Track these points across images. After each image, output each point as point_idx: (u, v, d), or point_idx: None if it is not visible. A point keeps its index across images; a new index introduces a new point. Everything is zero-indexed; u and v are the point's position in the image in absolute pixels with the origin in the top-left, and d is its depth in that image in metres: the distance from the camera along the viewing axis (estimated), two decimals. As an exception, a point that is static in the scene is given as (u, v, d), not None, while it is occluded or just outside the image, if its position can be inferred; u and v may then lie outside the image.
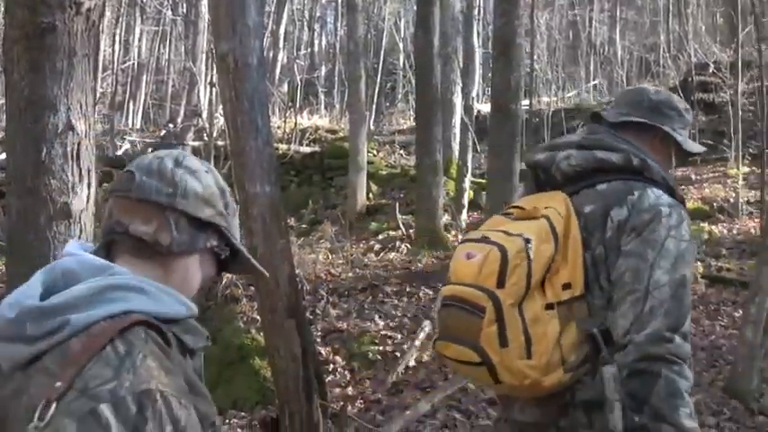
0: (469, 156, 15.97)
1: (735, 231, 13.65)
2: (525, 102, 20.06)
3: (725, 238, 13.16)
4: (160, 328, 1.82)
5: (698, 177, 18.69)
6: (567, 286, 2.79)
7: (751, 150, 17.93)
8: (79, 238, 4.88)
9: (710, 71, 21.67)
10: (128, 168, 1.99)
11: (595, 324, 2.79)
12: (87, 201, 4.94)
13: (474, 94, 18.95)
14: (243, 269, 2.19)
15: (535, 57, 25.05)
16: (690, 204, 15.45)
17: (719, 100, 22.24)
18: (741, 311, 8.65)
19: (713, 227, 14.04)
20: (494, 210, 11.40)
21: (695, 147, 3.27)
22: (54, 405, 1.61)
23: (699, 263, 11.67)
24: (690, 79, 23.53)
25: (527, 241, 2.78)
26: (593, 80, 32.09)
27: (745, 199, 15.29)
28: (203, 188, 2.00)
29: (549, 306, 2.76)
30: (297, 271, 7.87)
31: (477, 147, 17.37)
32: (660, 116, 3.16)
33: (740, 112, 17.04)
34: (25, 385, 1.71)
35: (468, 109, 17.14)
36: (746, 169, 16.97)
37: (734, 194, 15.64)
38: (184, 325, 1.92)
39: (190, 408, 1.72)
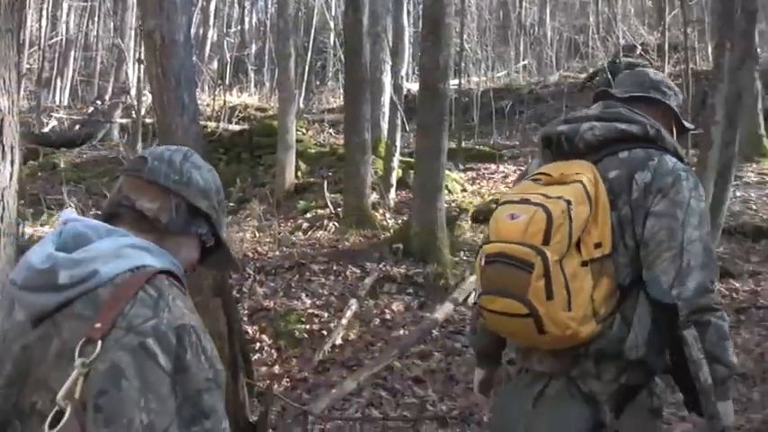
0: (398, 135, 15.98)
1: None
2: (455, 81, 20.16)
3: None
4: (177, 276, 2.15)
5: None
6: (597, 245, 3.08)
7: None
8: (1, 218, 4.81)
9: (638, 53, 21.93)
10: (141, 154, 2.29)
11: (627, 279, 3.13)
12: (10, 178, 4.86)
13: (403, 73, 18.95)
14: (220, 261, 2.44)
15: (465, 36, 25.14)
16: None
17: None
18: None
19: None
20: (421, 188, 11.47)
21: (688, 123, 3.65)
22: (99, 342, 1.88)
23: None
24: (618, 61, 23.79)
25: (568, 203, 3.05)
26: (523, 60, 32.24)
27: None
28: (204, 182, 2.29)
29: (584, 263, 3.05)
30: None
31: (407, 126, 17.40)
32: (661, 93, 3.53)
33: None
34: (53, 331, 1.97)
35: (397, 88, 17.12)
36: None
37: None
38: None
39: (211, 340, 2.06)
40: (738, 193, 15.04)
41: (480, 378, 3.84)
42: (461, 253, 11.71)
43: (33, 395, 1.95)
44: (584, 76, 27.86)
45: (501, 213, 3.25)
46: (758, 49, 20.22)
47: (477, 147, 19.71)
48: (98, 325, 1.90)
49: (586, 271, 3.04)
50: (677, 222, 3.08)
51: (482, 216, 13.62)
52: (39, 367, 1.96)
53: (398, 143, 15.87)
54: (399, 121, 15.98)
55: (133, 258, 2.05)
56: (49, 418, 1.85)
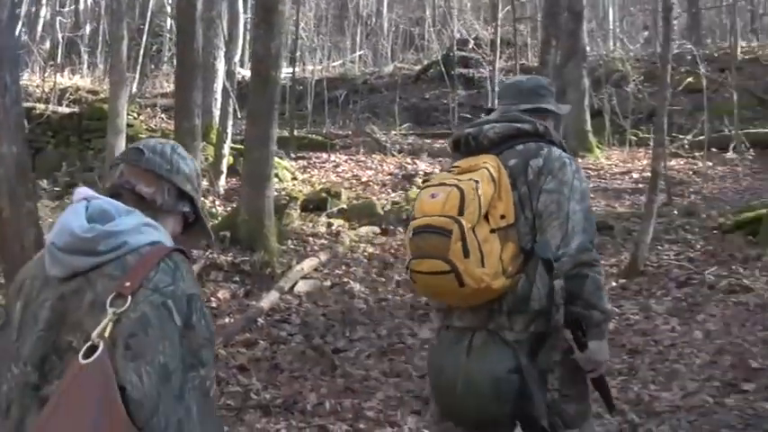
0: (230, 122, 15.86)
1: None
2: (289, 69, 20.10)
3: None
4: (186, 253, 2.63)
5: (455, 150, 19.21)
6: (503, 217, 3.79)
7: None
8: None
9: (471, 47, 22.30)
10: (137, 146, 2.76)
11: (528, 243, 3.80)
12: None
13: (237, 59, 18.80)
14: (197, 233, 2.94)
15: (302, 25, 25.10)
16: (445, 176, 15.89)
17: (479, 75, 22.91)
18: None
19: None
20: (250, 176, 11.41)
21: (564, 109, 4.50)
22: (130, 297, 2.37)
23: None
24: (452, 54, 24.16)
25: (477, 182, 3.75)
26: (359, 51, 32.41)
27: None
28: (188, 170, 2.80)
29: (493, 231, 3.74)
30: (46, 235, 7.61)
31: (239, 113, 17.25)
32: (539, 97, 4.29)
33: (497, 88, 17.60)
34: (86, 286, 2.44)
35: (230, 74, 16.99)
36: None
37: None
38: None
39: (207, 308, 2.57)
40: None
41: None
42: (289, 241, 11.72)
43: (69, 335, 2.42)
44: (418, 68, 28.22)
45: (423, 195, 3.94)
46: (586, 48, 20.88)
47: (310, 135, 19.72)
48: (128, 284, 2.40)
49: (495, 237, 3.74)
50: (564, 197, 3.82)
51: (312, 205, 13.65)
52: (74, 313, 2.43)
53: (230, 130, 15.76)
54: (231, 108, 15.87)
55: (151, 234, 2.55)
56: (83, 351, 2.32)
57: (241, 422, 7.09)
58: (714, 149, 17.64)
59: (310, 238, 12.26)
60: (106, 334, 2.34)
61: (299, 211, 13.38)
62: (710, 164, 17.08)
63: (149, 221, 2.60)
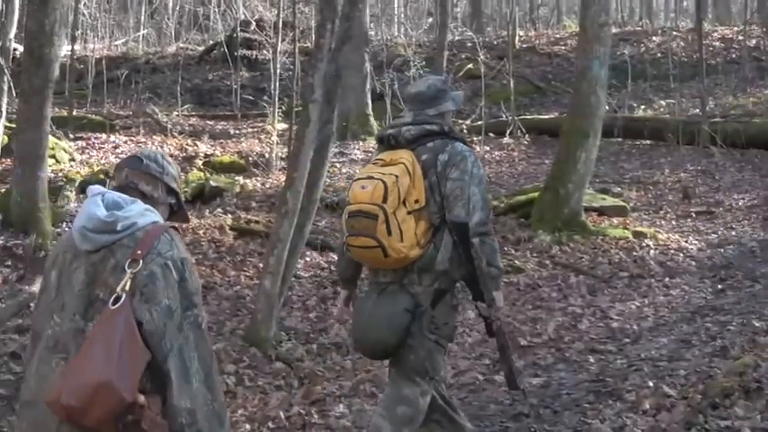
0: (4, 100, 15.26)
1: (267, 185, 14.12)
2: (68, 47, 19.53)
3: (257, 192, 13.58)
4: (177, 229, 3.56)
5: (237, 132, 19.11)
6: (416, 201, 4.98)
7: (284, 108, 18.53)
8: None
9: (253, 28, 22.23)
10: (136, 155, 3.65)
11: (437, 220, 5.03)
12: None
13: (12, 35, 18.10)
14: (179, 218, 3.76)
15: (84, 1, 24.44)
16: (225, 158, 15.84)
17: (263, 57, 22.87)
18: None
19: (247, 180, 14.44)
20: (22, 157, 11.07)
21: (459, 100, 5.54)
22: (141, 261, 3.29)
23: (229, 215, 12.01)
24: (235, 35, 24.02)
25: (396, 176, 4.93)
26: (143, 30, 31.76)
27: (280, 154, 15.85)
28: (174, 173, 3.68)
29: (409, 213, 4.95)
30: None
31: (14, 91, 16.63)
32: (439, 101, 5.32)
33: (278, 71, 17.64)
34: (110, 255, 3.35)
35: (5, 51, 16.35)
36: (284, 125, 17.56)
37: (269, 150, 16.19)
38: None
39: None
40: (344, 170, 15.71)
41: (344, 296, 5.63)
42: (64, 224, 11.44)
43: (98, 291, 3.35)
44: (202, 48, 27.94)
45: (355, 186, 5.11)
46: (369, 32, 21.17)
47: (90, 115, 19.15)
48: (139, 252, 3.32)
49: (411, 217, 4.95)
50: (465, 183, 5.01)
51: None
52: (101, 275, 3.36)
53: (4, 109, 15.17)
54: (6, 86, 15.28)
55: (152, 217, 3.46)
56: (112, 299, 3.26)
57: (12, 411, 6.90)
58: (491, 134, 18.30)
59: (85, 221, 11.97)
60: (126, 288, 3.28)
61: (75, 192, 13.04)
62: (488, 148, 17.67)
63: (149, 207, 3.51)
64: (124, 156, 16.15)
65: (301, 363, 8.09)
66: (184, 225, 3.94)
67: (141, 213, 3.43)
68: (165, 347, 3.30)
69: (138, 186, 3.57)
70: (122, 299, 3.26)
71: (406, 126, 5.23)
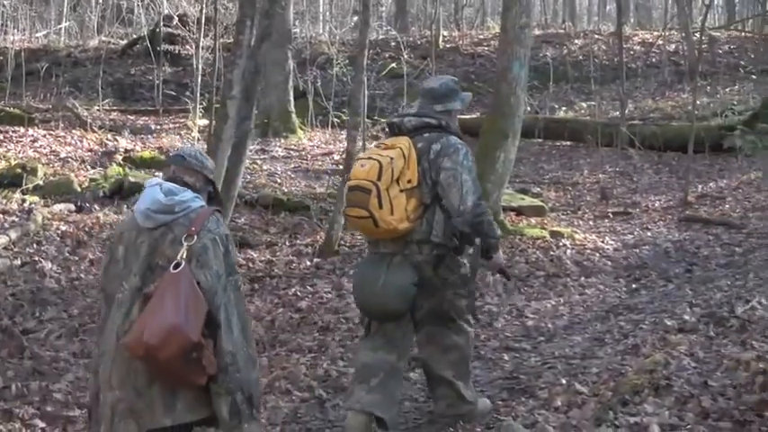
0: None
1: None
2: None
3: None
4: (221, 211, 4.48)
5: (158, 127, 18.92)
6: (409, 181, 5.68)
7: (205, 104, 18.39)
8: None
9: (175, 23, 22.05)
10: (179, 153, 4.52)
11: (428, 200, 5.76)
12: None
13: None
14: (214, 203, 4.52)
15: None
16: (146, 154, 15.67)
17: (185, 53, 22.71)
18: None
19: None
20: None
21: (467, 99, 6.25)
22: (195, 236, 4.12)
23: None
24: (158, 30, 23.80)
25: (391, 158, 5.65)
26: (65, 22, 31.29)
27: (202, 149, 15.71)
28: (210, 165, 4.58)
29: (401, 191, 5.64)
30: None
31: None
32: (448, 99, 6.05)
33: (201, 67, 17.52)
34: (168, 231, 4.19)
35: None
36: (205, 121, 17.42)
37: (190, 146, 16.04)
38: None
39: None
40: (265, 167, 15.65)
41: None
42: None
43: (158, 259, 4.19)
44: (125, 42, 27.61)
45: (356, 164, 5.89)
46: (292, 30, 21.11)
47: (7, 108, 18.82)
48: (193, 228, 4.16)
49: (403, 194, 5.65)
50: (458, 172, 5.72)
51: (6, 181, 13.12)
52: (161, 247, 4.20)
53: None
54: None
55: (200, 202, 4.32)
56: (173, 265, 4.08)
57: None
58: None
59: (0, 215, 11.78)
60: (184, 256, 4.11)
61: (-8, 185, 12.80)
62: (409, 147, 17.63)
63: (197, 195, 4.36)
64: (42, 149, 16.26)
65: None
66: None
67: (192, 200, 4.31)
68: (216, 302, 4.14)
69: (183, 179, 4.39)
70: (182, 264, 4.09)
71: (408, 117, 6.03)
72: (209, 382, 4.14)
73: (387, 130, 6.35)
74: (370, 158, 5.78)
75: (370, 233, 5.88)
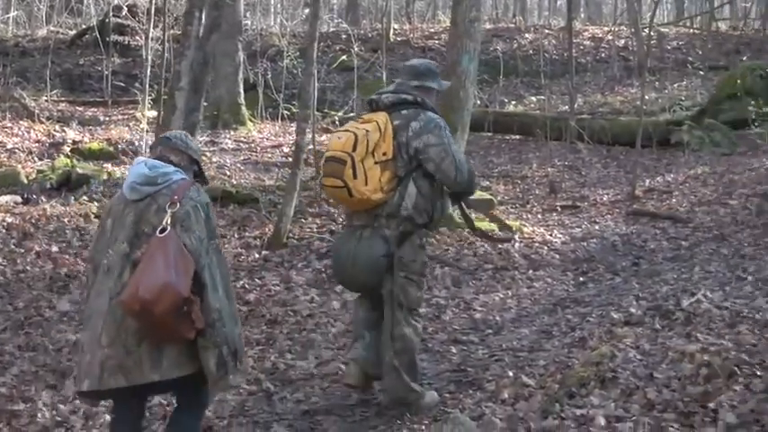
0: None
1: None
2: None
3: (124, 180, 13.26)
4: (201, 183, 4.95)
5: (107, 118, 18.75)
6: (384, 154, 5.93)
7: (154, 95, 18.23)
8: None
9: (124, 14, 21.86)
10: (166, 135, 5.05)
11: (402, 173, 6.03)
12: None
13: None
14: (200, 181, 5.01)
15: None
16: (95, 145, 15.52)
17: (135, 43, 22.53)
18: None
19: (116, 168, 14.15)
20: None
21: (445, 85, 6.63)
22: (177, 204, 4.55)
23: (95, 203, 11.77)
24: (107, 20, 23.59)
25: (367, 131, 5.92)
26: (13, 11, 30.88)
27: (149, 142, 15.56)
28: (195, 146, 5.08)
29: (376, 163, 5.90)
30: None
31: None
32: (425, 77, 6.32)
33: (150, 57, 17.38)
34: (153, 201, 4.62)
35: None
36: (155, 113, 17.28)
37: (139, 137, 15.93)
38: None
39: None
40: (214, 159, 15.56)
41: None
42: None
43: (144, 227, 4.61)
44: (73, 32, 27.32)
45: (333, 137, 6.21)
46: (243, 21, 21.00)
47: (-47, 99, 18.55)
48: (176, 197, 4.59)
49: (377, 166, 5.90)
50: (446, 145, 6.06)
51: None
52: (146, 215, 4.63)
53: None
54: None
55: (181, 174, 4.77)
56: (159, 230, 4.49)
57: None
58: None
59: (-55, 207, 11.61)
60: (169, 222, 4.52)
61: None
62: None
63: (178, 169, 4.80)
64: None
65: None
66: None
67: (174, 173, 4.76)
68: (201, 263, 4.55)
69: (169, 158, 4.86)
70: (168, 229, 4.51)
71: (386, 94, 6.29)
72: (196, 338, 4.55)
73: (368, 105, 6.52)
74: (346, 131, 6.07)
75: (345, 202, 6.18)
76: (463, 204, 6.71)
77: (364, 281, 6.18)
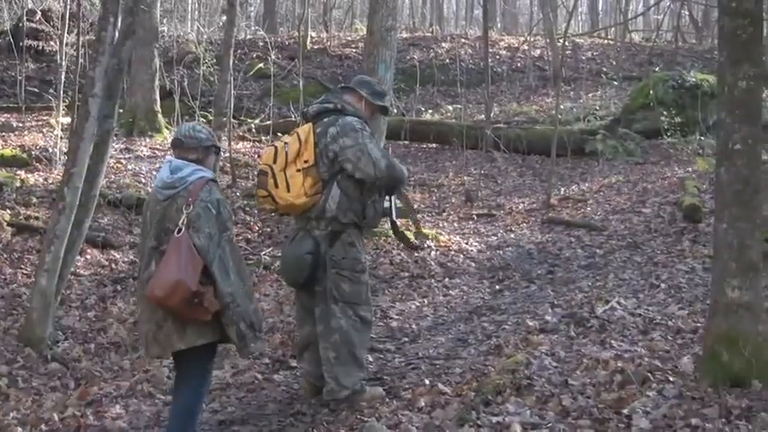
0: None
1: (50, 180, 13.58)
2: None
3: (38, 187, 13.04)
4: (215, 180, 5.62)
5: (20, 125, 18.40)
6: (306, 161, 6.35)
7: (68, 101, 17.94)
8: None
9: (38, 18, 21.52)
10: (177, 137, 5.63)
11: (326, 176, 6.40)
12: None
13: None
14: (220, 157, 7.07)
15: None
16: (8, 152, 15.20)
17: (50, 49, 22.16)
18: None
19: (29, 175, 13.89)
20: None
21: (378, 101, 6.87)
22: (192, 205, 5.32)
23: (7, 210, 11.52)
24: (21, 25, 23.18)
25: (286, 143, 6.43)
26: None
27: (63, 149, 15.31)
28: (205, 135, 5.65)
29: (299, 170, 6.33)
30: None
31: None
32: (360, 86, 6.78)
33: (65, 63, 17.11)
34: (173, 203, 5.40)
35: None
36: (69, 119, 16.99)
37: (53, 144, 15.65)
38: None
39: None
40: (130, 167, 15.37)
41: None
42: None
43: (168, 224, 5.38)
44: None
45: (264, 150, 7.33)
46: (159, 28, 20.78)
47: None
48: (190, 199, 5.30)
49: (300, 174, 6.33)
50: (362, 145, 6.34)
51: None
52: (169, 214, 5.39)
53: None
54: None
55: (199, 173, 5.43)
56: (176, 229, 5.27)
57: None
58: (280, 134, 18.16)
59: None
60: (184, 223, 5.27)
61: None
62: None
63: (197, 167, 5.47)
64: None
65: (78, 363, 7.96)
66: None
67: (192, 173, 5.44)
68: (209, 258, 5.29)
69: (187, 157, 5.54)
70: (182, 230, 5.27)
71: (313, 105, 6.73)
72: (218, 315, 5.34)
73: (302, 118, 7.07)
74: (272, 145, 6.66)
75: (275, 209, 6.64)
76: (393, 206, 6.92)
77: (294, 277, 6.60)
